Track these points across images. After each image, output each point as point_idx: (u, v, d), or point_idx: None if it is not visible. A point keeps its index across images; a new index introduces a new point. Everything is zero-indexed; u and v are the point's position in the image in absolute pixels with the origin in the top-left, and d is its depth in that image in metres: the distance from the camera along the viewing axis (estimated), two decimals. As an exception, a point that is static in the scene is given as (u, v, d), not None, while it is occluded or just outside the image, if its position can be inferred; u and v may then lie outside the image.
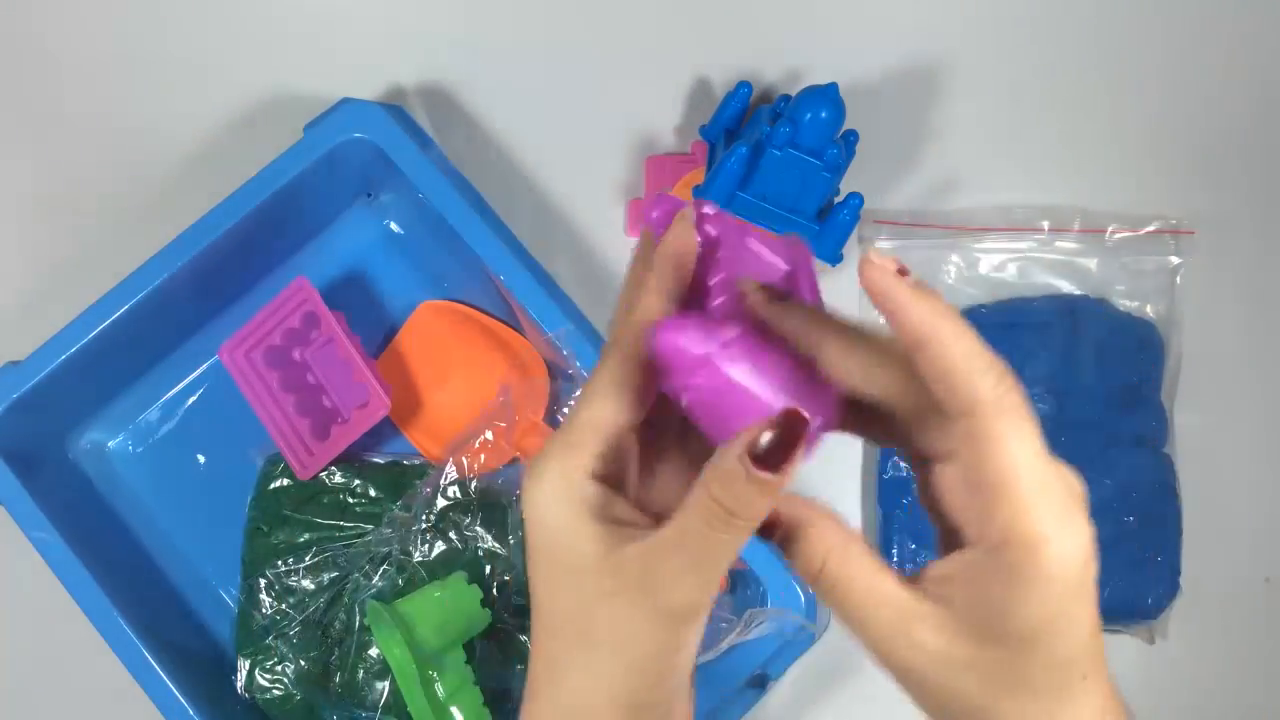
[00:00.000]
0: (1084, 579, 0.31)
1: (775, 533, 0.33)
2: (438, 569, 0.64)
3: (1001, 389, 0.30)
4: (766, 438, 0.29)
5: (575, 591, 0.32)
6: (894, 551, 0.65)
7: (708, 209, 0.33)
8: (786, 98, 0.64)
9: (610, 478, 0.33)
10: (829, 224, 0.63)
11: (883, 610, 0.32)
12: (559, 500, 0.32)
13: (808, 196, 0.62)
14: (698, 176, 0.66)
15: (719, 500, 0.30)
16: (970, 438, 0.30)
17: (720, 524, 0.30)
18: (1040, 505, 0.30)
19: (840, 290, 0.70)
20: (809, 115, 0.58)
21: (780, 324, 0.32)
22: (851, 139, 0.63)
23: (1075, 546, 0.30)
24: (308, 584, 0.65)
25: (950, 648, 0.31)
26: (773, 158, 0.59)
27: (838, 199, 0.63)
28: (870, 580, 0.32)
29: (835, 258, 0.64)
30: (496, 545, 0.64)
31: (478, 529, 0.65)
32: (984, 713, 0.32)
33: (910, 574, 0.33)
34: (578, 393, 0.34)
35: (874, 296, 0.30)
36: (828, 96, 0.59)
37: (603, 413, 0.33)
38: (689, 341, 0.31)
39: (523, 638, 0.64)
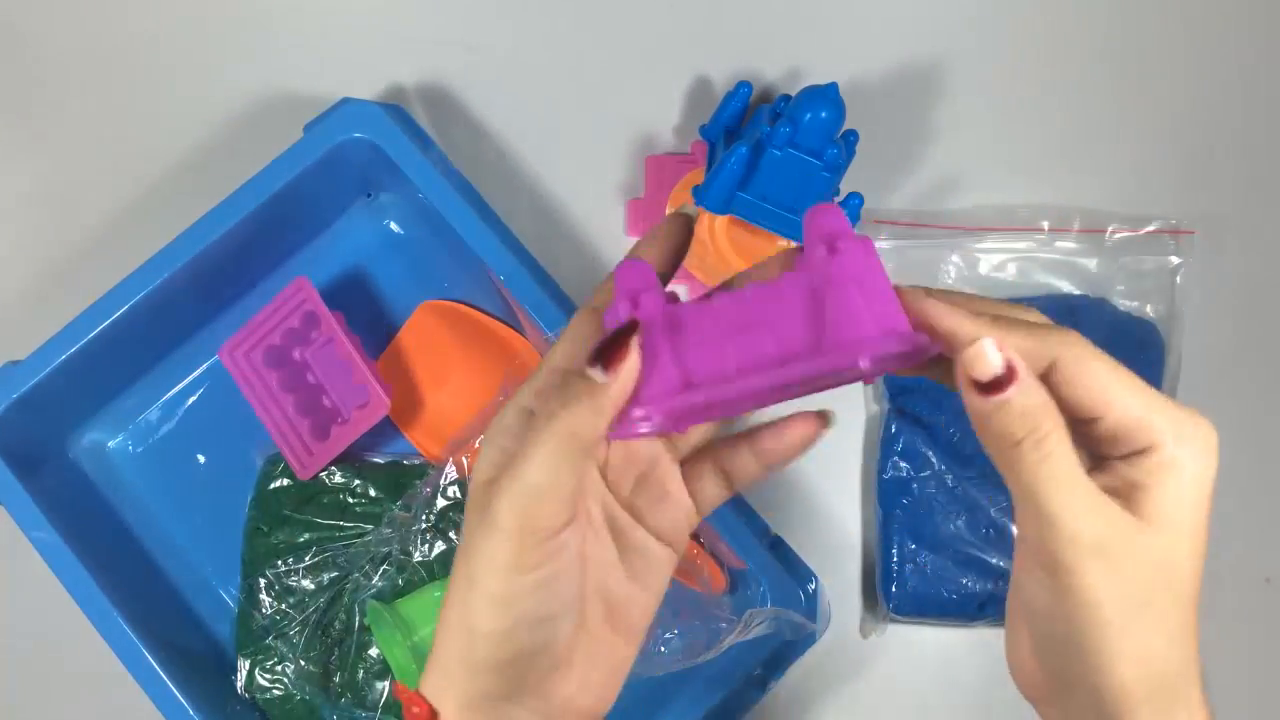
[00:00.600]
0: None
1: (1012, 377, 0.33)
2: (437, 569, 0.64)
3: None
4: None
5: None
6: (894, 551, 0.65)
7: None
8: (786, 97, 0.64)
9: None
10: None
11: (1078, 491, 0.33)
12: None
13: (807, 196, 0.61)
14: (697, 177, 0.66)
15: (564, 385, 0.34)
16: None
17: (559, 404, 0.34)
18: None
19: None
20: (809, 115, 0.58)
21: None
22: (851, 139, 0.63)
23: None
24: (308, 584, 0.65)
25: (1130, 551, 0.33)
26: (773, 158, 0.59)
27: (838, 199, 0.63)
28: (1073, 463, 0.33)
29: None
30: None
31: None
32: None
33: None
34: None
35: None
36: (827, 97, 0.58)
37: (543, 504, 0.34)
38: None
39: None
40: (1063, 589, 0.33)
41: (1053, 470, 0.33)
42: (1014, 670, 0.38)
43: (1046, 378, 0.34)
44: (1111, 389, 0.34)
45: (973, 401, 0.33)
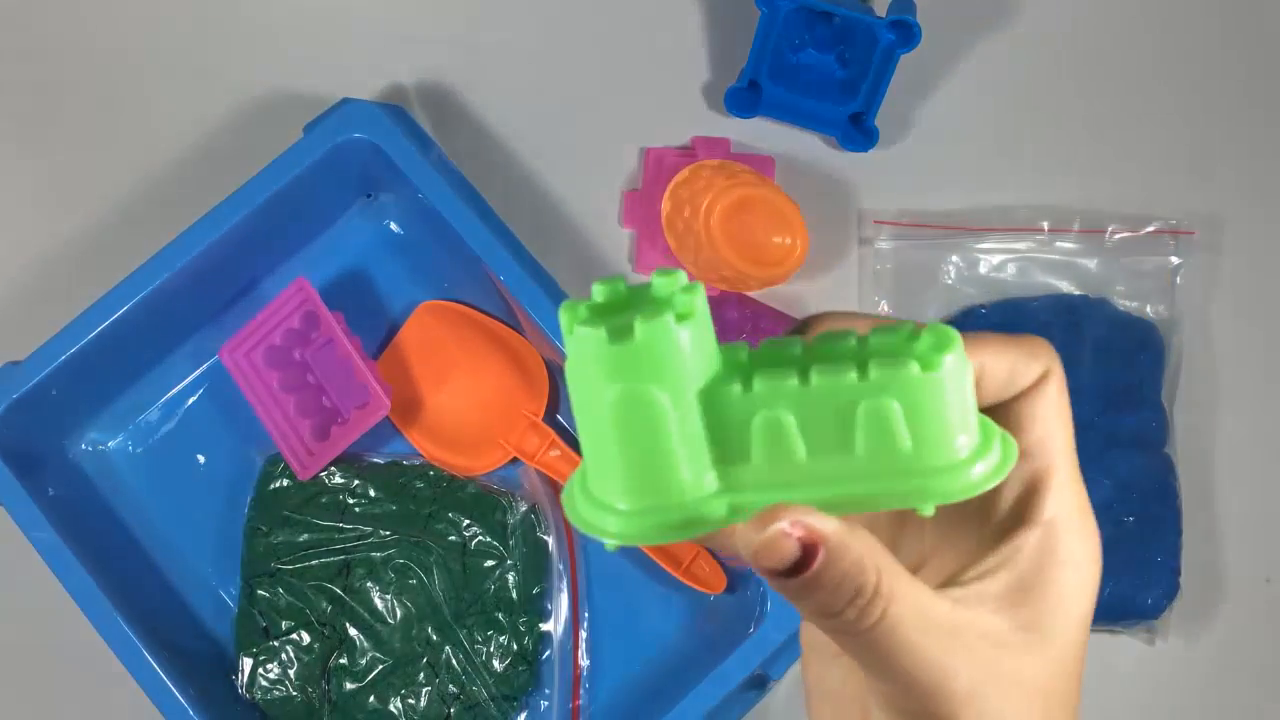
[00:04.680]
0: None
1: (810, 563, 0.26)
2: (437, 569, 0.64)
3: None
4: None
5: None
6: (894, 551, 0.65)
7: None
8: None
9: None
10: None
11: (930, 637, 0.27)
12: None
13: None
14: (696, 171, 0.66)
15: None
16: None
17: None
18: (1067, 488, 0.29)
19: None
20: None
21: None
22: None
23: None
24: (308, 584, 0.65)
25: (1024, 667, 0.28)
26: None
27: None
28: (921, 601, 0.27)
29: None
30: (494, 543, 0.64)
31: (476, 529, 0.65)
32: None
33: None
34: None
35: None
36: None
37: None
38: None
39: (504, 639, 0.64)
40: None
41: (892, 630, 0.27)
42: None
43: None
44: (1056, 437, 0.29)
45: (774, 585, 0.27)
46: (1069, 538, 0.29)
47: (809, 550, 0.26)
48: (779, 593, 0.27)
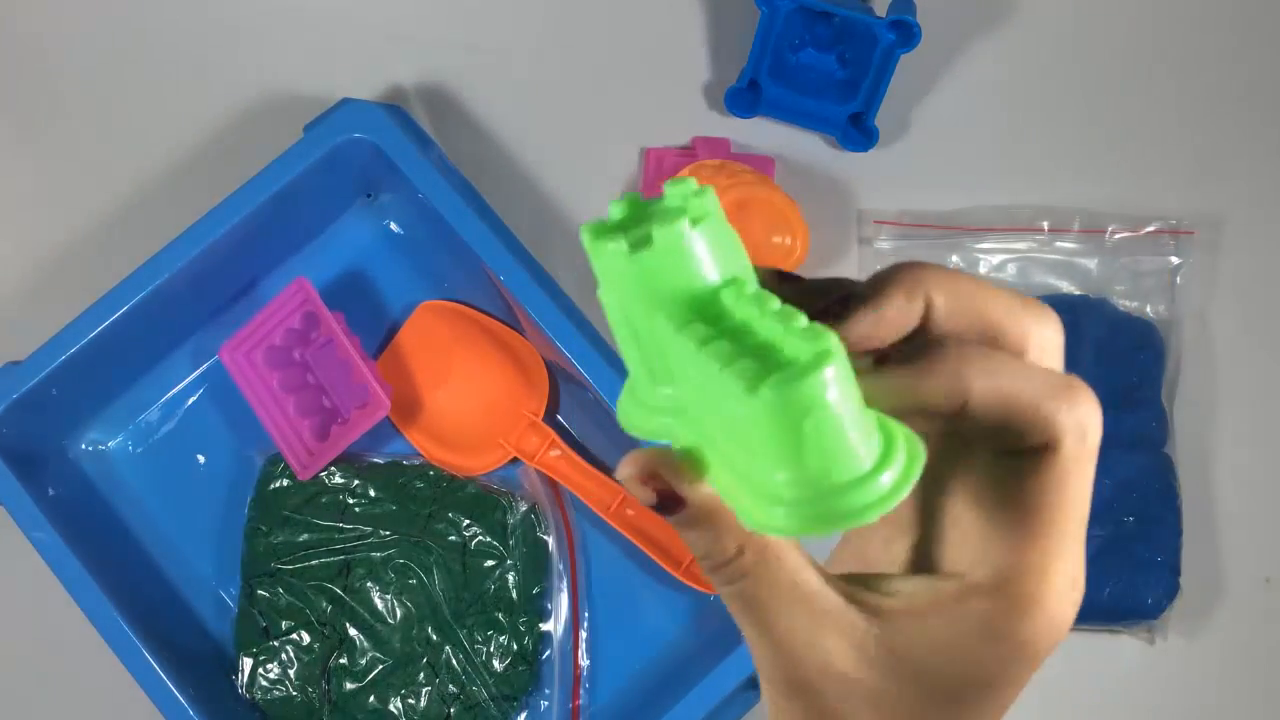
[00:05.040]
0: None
1: (678, 507, 0.27)
2: (437, 569, 0.64)
3: (1079, 415, 0.26)
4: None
5: None
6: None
7: None
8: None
9: None
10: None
11: (797, 609, 0.28)
12: None
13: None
14: (697, 170, 0.66)
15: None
16: (1031, 470, 0.27)
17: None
18: (1070, 559, 0.27)
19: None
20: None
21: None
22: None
23: (1069, 617, 0.28)
24: (308, 584, 0.65)
25: (864, 673, 0.28)
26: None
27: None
28: (794, 573, 0.28)
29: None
30: (494, 543, 0.64)
31: (476, 529, 0.65)
32: None
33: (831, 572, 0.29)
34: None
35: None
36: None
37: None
38: None
39: (504, 639, 0.64)
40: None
41: (766, 588, 0.28)
42: None
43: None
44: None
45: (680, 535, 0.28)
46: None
47: (671, 498, 0.26)
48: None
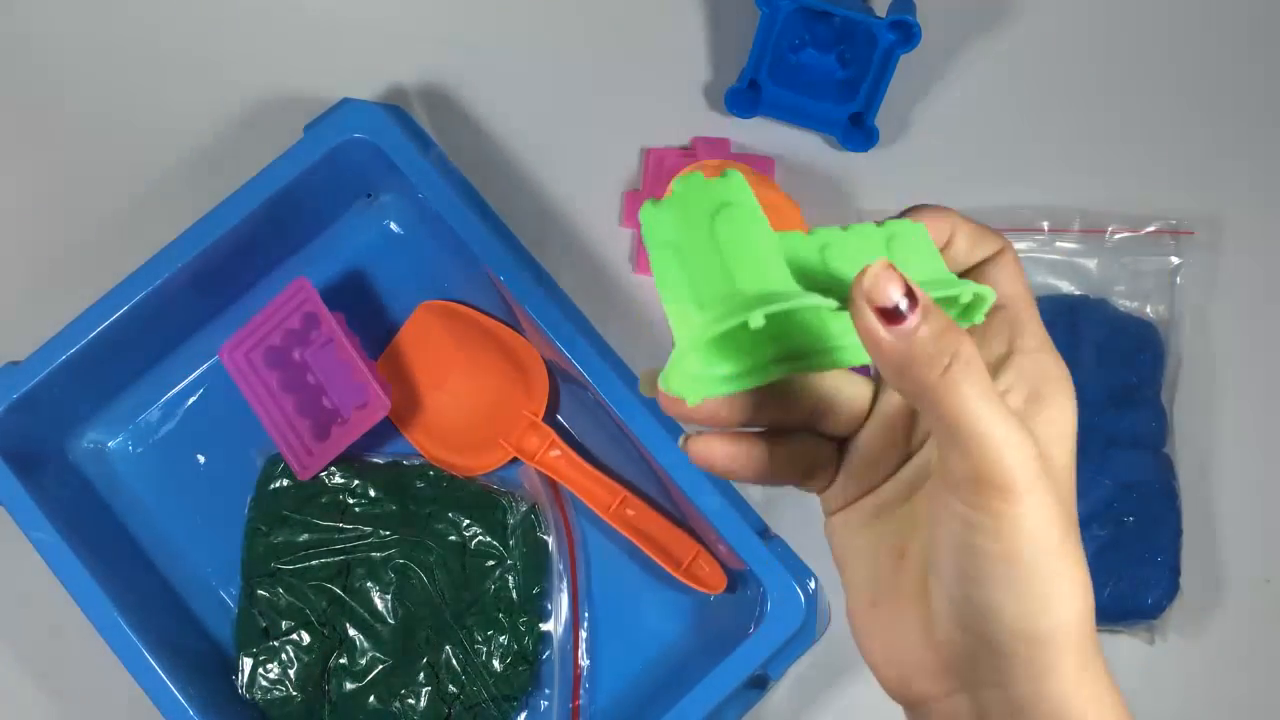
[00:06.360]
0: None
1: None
2: (437, 569, 0.64)
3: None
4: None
5: None
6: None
7: None
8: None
9: None
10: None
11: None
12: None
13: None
14: (697, 170, 0.66)
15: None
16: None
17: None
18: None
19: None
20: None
21: None
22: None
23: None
24: (308, 584, 0.65)
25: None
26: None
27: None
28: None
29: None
30: (494, 543, 0.64)
31: (476, 529, 0.65)
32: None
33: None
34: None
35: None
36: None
37: None
38: None
39: (504, 639, 0.64)
40: (1000, 527, 0.31)
41: (982, 391, 0.31)
42: (907, 666, 0.35)
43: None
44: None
45: (878, 336, 0.31)
46: (1046, 359, 0.36)
47: (909, 298, 0.31)
48: (886, 353, 0.31)
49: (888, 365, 0.31)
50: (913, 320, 0.31)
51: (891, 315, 0.31)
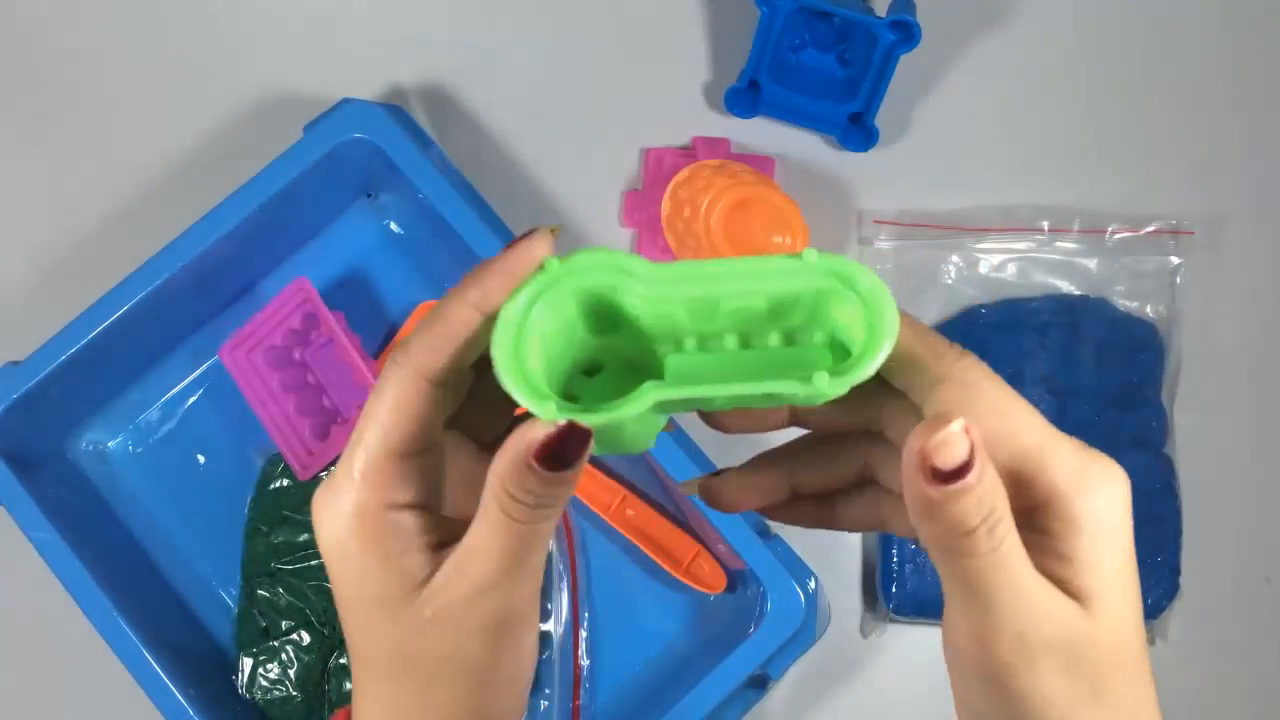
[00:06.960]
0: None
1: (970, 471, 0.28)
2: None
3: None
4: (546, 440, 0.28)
5: (391, 627, 0.31)
6: (894, 551, 0.65)
7: None
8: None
9: (420, 488, 0.31)
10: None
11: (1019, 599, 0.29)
12: (355, 539, 0.30)
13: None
14: (696, 170, 0.66)
15: (516, 495, 0.29)
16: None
17: (526, 514, 0.29)
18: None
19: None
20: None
21: None
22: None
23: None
24: (308, 584, 0.65)
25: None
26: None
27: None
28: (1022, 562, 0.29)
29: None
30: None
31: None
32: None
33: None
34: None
35: None
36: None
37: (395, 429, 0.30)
38: None
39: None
40: (1007, 694, 0.30)
41: (1005, 561, 0.28)
42: None
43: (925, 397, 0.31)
44: (1011, 414, 0.30)
45: (921, 489, 0.28)
46: (1078, 502, 0.30)
47: (971, 456, 0.27)
48: (919, 503, 0.28)
49: (919, 516, 0.29)
50: (970, 478, 0.27)
51: (954, 473, 0.27)
